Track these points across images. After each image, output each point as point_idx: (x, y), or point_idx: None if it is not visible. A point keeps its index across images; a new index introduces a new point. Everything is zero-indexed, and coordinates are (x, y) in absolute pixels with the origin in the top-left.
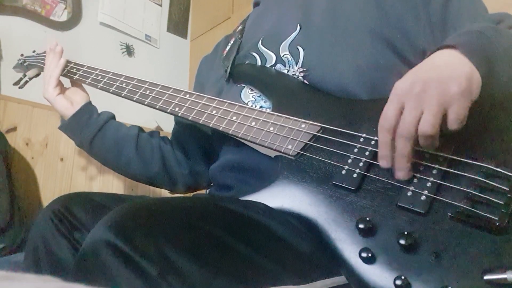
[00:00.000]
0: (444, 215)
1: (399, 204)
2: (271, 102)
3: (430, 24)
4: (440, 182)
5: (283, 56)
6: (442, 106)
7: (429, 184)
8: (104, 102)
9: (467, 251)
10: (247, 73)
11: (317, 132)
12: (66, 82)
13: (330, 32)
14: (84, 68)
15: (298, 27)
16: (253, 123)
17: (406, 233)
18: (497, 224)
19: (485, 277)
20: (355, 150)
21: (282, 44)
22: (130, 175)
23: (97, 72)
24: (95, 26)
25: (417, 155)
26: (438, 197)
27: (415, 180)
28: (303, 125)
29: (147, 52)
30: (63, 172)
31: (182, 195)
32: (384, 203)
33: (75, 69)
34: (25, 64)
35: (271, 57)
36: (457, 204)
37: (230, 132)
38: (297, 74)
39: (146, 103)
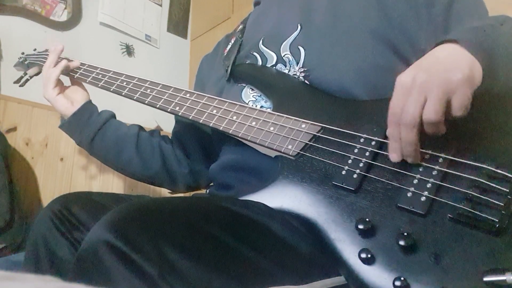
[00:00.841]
0: (444, 216)
1: (399, 205)
2: (272, 102)
3: (432, 26)
4: (440, 183)
5: (284, 56)
6: (446, 94)
7: (429, 185)
8: (104, 101)
9: (467, 252)
10: (248, 73)
11: (318, 132)
12: (66, 81)
13: (331, 32)
14: (84, 67)
15: (299, 27)
16: (254, 123)
17: (405, 234)
18: (497, 225)
19: (485, 279)
20: (355, 150)
21: (283, 44)
22: (130, 174)
23: (97, 71)
24: (95, 26)
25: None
26: (438, 198)
27: (415, 181)
28: (303, 125)
29: (147, 52)
30: (63, 172)
31: (182, 195)
32: (384, 204)
33: (76, 68)
34: (26, 62)
35: (272, 57)
36: (457, 205)
37: (230, 131)
38: (298, 74)
39: (146, 102)
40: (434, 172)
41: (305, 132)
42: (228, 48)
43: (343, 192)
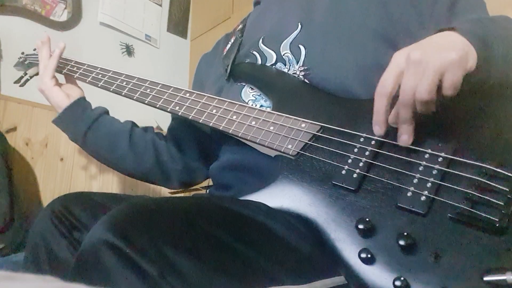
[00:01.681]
0: (444, 215)
1: (399, 204)
2: (271, 101)
3: (434, 25)
4: (440, 182)
5: (283, 55)
6: (439, 73)
7: (429, 184)
8: (104, 101)
9: (467, 252)
10: (247, 72)
11: (317, 131)
12: (61, 79)
13: (332, 31)
14: (84, 67)
15: (299, 26)
16: (253, 123)
17: (405, 233)
18: (497, 225)
19: (485, 278)
20: (355, 150)
21: (283, 43)
22: (123, 170)
23: (97, 70)
24: (95, 26)
25: (417, 155)
26: (438, 198)
27: (415, 181)
28: (303, 125)
29: (147, 52)
30: (63, 172)
31: (182, 195)
32: (384, 204)
33: (75, 68)
34: (26, 62)
35: (272, 56)
36: (457, 204)
37: (230, 131)
38: (298, 73)
39: (146, 102)
40: (434, 172)
41: (305, 131)
42: (227, 47)
43: (343, 191)
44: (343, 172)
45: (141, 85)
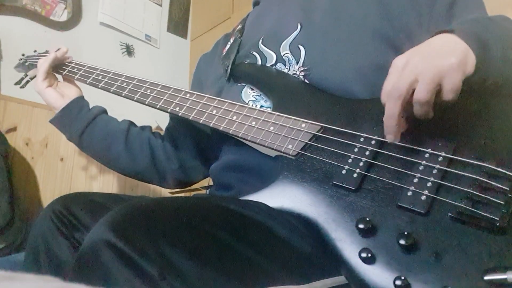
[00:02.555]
0: (444, 215)
1: (399, 204)
2: (272, 102)
3: (433, 26)
4: (440, 182)
5: (283, 55)
6: (437, 76)
7: (429, 184)
8: (104, 101)
9: (467, 251)
10: (248, 73)
11: (318, 131)
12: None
13: (332, 31)
14: (85, 68)
15: (299, 26)
16: (253, 123)
17: (406, 233)
18: (498, 224)
19: (485, 277)
20: (356, 149)
21: (283, 43)
22: (120, 170)
23: (97, 72)
24: (95, 26)
25: (417, 154)
26: (438, 197)
27: (415, 180)
28: (303, 125)
29: (147, 52)
30: (63, 172)
31: (182, 195)
32: (384, 203)
33: (76, 69)
34: (26, 64)
35: (272, 57)
36: (458, 204)
37: (230, 132)
38: (298, 73)
39: (146, 102)
40: (434, 171)
41: (305, 131)
42: (227, 48)
43: (344, 191)
44: (344, 172)
45: (141, 86)
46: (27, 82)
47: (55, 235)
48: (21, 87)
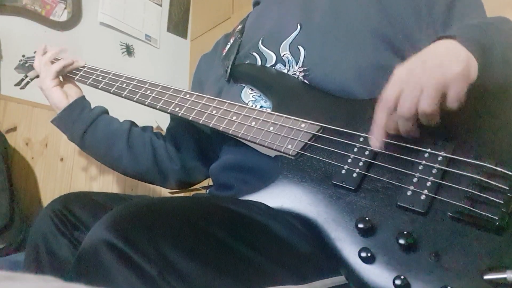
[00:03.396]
0: (444, 214)
1: (398, 203)
2: (271, 102)
3: (432, 26)
4: (440, 181)
5: (283, 55)
6: (441, 86)
7: (428, 183)
8: (104, 102)
9: (467, 250)
10: (247, 73)
11: (317, 131)
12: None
13: (331, 31)
14: (85, 69)
15: (299, 27)
16: (253, 123)
17: (405, 232)
18: (497, 223)
19: (485, 277)
20: (355, 149)
21: (283, 44)
22: (121, 170)
23: (97, 72)
24: (95, 26)
25: (417, 154)
26: (438, 197)
27: (415, 180)
28: (303, 125)
29: (147, 52)
30: (63, 172)
31: (182, 195)
32: (384, 203)
33: (76, 70)
34: (26, 65)
35: (271, 57)
36: (457, 203)
37: (230, 132)
38: (297, 73)
39: (146, 103)
40: (434, 171)
41: (305, 131)
42: (227, 48)
43: (343, 191)
44: (343, 171)
45: (141, 86)
46: (27, 83)
47: (55, 234)
48: (21, 88)
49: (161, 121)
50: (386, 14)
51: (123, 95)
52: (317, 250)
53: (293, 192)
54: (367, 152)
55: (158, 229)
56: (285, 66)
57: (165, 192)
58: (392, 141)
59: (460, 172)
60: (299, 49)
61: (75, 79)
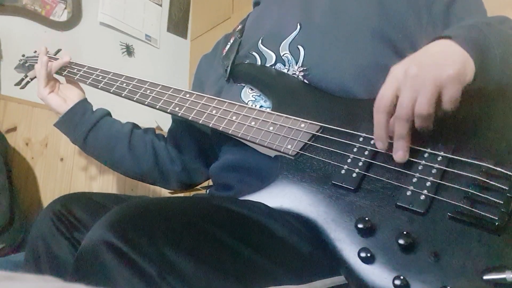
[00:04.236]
0: (443, 214)
1: (398, 203)
2: (271, 102)
3: (432, 25)
4: (440, 181)
5: (283, 55)
6: (437, 88)
7: (428, 183)
8: (104, 102)
9: (466, 251)
10: (247, 73)
11: (317, 131)
12: (61, 80)
13: (331, 31)
14: (84, 69)
15: (298, 27)
16: (253, 123)
17: (405, 232)
18: (497, 223)
19: (484, 277)
20: (355, 149)
21: (282, 44)
22: (123, 172)
23: (97, 72)
24: (95, 26)
25: (416, 154)
26: (437, 197)
27: (414, 180)
28: (302, 125)
29: (147, 52)
30: (63, 172)
31: (182, 195)
32: (383, 203)
33: (75, 69)
34: (26, 64)
35: (271, 57)
36: (457, 203)
37: (229, 132)
38: (297, 73)
39: (146, 103)
40: (433, 171)
41: (304, 131)
42: (227, 48)
43: (343, 191)
44: (343, 171)
45: (141, 86)
46: (27, 82)
47: (55, 235)
48: (21, 88)
49: (161, 121)
50: (386, 14)
51: (123, 95)
52: (317, 250)
53: (292, 192)
54: (366, 152)
55: (158, 229)
56: (285, 65)
57: (165, 192)
58: (392, 142)
59: (459, 172)
60: (298, 49)
61: (75, 78)
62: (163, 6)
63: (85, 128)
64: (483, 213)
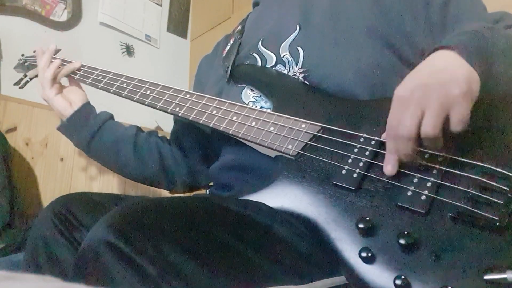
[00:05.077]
0: (444, 215)
1: (399, 204)
2: (272, 103)
3: (429, 25)
4: (440, 182)
5: (283, 56)
6: (444, 108)
7: (429, 184)
8: (104, 102)
9: (467, 251)
10: (248, 74)
11: (317, 132)
12: (64, 81)
13: (330, 32)
14: (84, 69)
15: (298, 28)
16: (254, 123)
17: (406, 232)
18: (497, 224)
19: (485, 277)
20: (355, 150)
21: (282, 45)
22: (128, 175)
23: (97, 72)
24: (95, 26)
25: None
26: (438, 197)
27: (415, 180)
28: (303, 125)
29: (147, 52)
30: (63, 172)
31: (182, 195)
32: (384, 203)
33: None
34: (25, 64)
35: (271, 58)
36: (457, 204)
37: (230, 132)
38: (297, 74)
39: (146, 103)
40: (434, 171)
41: (305, 132)
42: (227, 49)
43: (343, 191)
44: (343, 172)
45: (142, 86)
46: (27, 82)
47: (55, 235)
48: (20, 88)
49: (161, 121)
50: (384, 14)
51: (123, 95)
52: (318, 250)
53: (293, 192)
54: (367, 153)
55: (158, 229)
56: (285, 67)
57: (165, 192)
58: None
59: (460, 172)
60: (298, 50)
61: (75, 78)
62: (163, 6)
63: (89, 132)
64: (484, 213)
